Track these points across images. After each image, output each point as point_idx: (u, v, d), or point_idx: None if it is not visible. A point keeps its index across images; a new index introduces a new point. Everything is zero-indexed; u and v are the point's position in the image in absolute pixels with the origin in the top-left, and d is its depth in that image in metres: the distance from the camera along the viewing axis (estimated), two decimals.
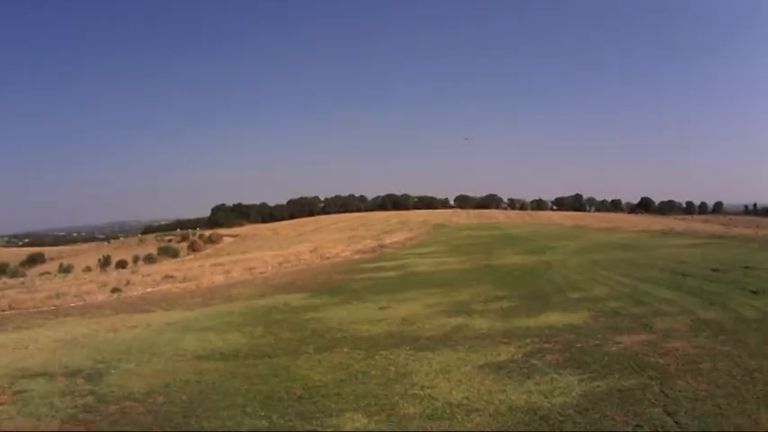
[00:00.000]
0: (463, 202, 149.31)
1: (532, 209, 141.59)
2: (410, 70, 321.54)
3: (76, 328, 11.06)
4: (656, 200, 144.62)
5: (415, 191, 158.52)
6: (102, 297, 16.69)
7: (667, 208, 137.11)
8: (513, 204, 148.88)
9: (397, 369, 6.83)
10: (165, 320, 11.45)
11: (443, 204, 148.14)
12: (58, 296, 16.61)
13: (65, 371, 7.58)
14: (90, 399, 6.31)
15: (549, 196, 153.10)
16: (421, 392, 5.90)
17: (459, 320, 9.41)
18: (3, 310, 14.05)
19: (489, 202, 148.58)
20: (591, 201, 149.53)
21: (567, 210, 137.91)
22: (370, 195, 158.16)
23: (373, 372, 6.80)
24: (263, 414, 5.63)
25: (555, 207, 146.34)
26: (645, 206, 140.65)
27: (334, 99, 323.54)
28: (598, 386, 5.70)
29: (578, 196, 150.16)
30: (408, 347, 7.79)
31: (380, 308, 11.24)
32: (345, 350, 7.93)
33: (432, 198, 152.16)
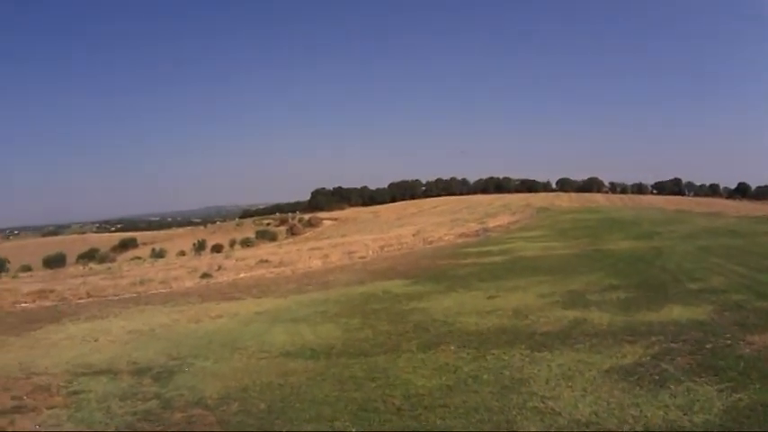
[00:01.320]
0: (565, 185, 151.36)
1: (632, 192, 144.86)
2: (508, 52, 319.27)
3: (155, 317, 11.08)
4: (753, 185, 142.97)
5: (516, 173, 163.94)
6: (189, 283, 17.01)
7: (763, 193, 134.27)
8: (614, 188, 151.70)
9: (513, 374, 6.23)
10: (254, 309, 11.34)
11: (545, 187, 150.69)
12: (142, 283, 17.00)
13: (132, 368, 7.37)
14: (154, 403, 5.95)
15: (647, 180, 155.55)
16: (541, 405, 5.28)
17: (575, 313, 8.95)
18: (80, 298, 14.43)
19: (591, 185, 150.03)
20: (689, 185, 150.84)
21: (666, 194, 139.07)
22: (471, 178, 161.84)
23: (485, 377, 6.19)
24: (353, 430, 5.05)
25: (655, 191, 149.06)
26: (742, 191, 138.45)
27: (434, 83, 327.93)
28: (740, 399, 5.19)
29: (677, 180, 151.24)
30: (523, 346, 7.26)
31: (489, 297, 10.88)
32: (452, 348, 7.42)
33: (533, 181, 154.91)
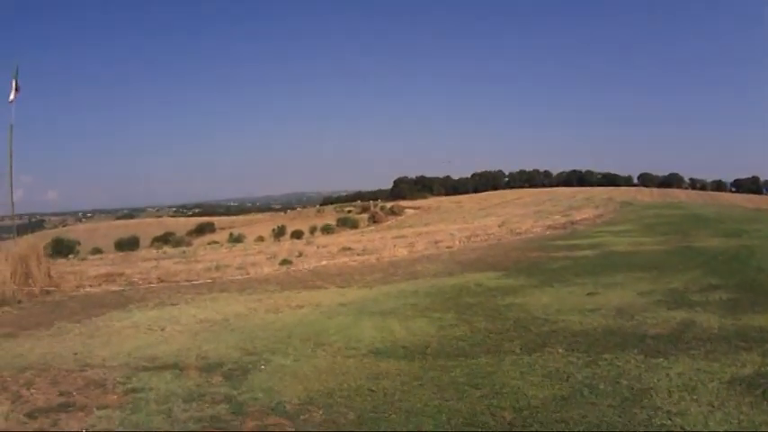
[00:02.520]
0: (646, 180, 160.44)
1: (711, 189, 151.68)
2: (592, 46, 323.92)
3: (230, 306, 10.74)
4: None
5: (597, 167, 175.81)
6: (268, 270, 16.80)
7: None
8: (694, 184, 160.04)
9: (631, 383, 5.56)
10: (339, 300, 10.93)
11: (626, 182, 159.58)
12: (217, 268, 16.97)
13: (201, 363, 6.87)
14: (223, 408, 5.36)
15: (726, 177, 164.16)
16: (669, 422, 4.64)
17: (682, 314, 8.33)
18: (150, 283, 14.33)
19: (672, 180, 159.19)
20: (767, 184, 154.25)
21: (743, 192, 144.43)
22: (554, 171, 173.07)
23: (601, 386, 5.51)
24: None
25: (733, 189, 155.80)
26: None
27: (515, 75, 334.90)
28: None
29: (755, 179, 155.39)
30: (635, 350, 6.61)
31: (588, 294, 10.34)
32: (560, 350, 6.77)
33: (615, 175, 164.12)
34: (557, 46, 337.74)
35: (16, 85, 14.00)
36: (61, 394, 5.85)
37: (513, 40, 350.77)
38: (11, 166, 13.37)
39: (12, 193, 13.33)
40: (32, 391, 5.99)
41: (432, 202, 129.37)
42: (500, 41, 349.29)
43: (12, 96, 13.80)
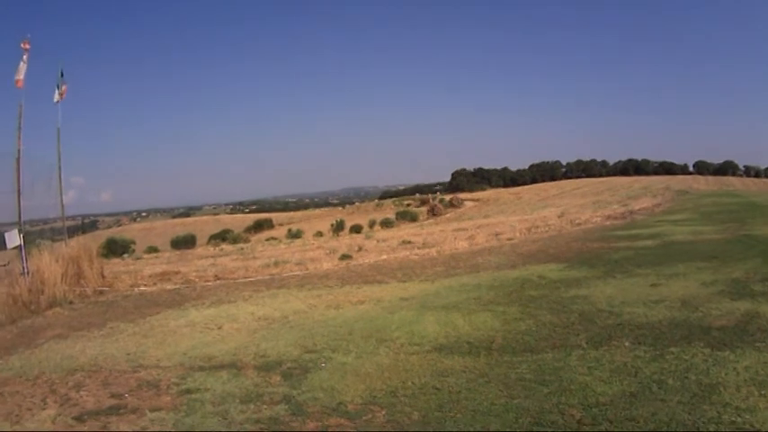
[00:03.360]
0: (701, 168, 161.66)
1: (766, 177, 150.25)
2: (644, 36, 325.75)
3: (290, 302, 10.67)
4: None
5: (653, 155, 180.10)
6: (327, 265, 16.79)
7: None
8: (748, 171, 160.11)
9: (698, 378, 5.37)
10: (400, 295, 10.80)
11: (682, 170, 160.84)
12: (276, 264, 17.03)
13: (260, 362, 6.79)
14: (281, 408, 5.25)
15: None
16: (738, 419, 4.47)
17: (745, 305, 8.04)
18: (206, 281, 14.38)
19: (726, 168, 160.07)
20: None
21: None
22: (610, 160, 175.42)
23: (670, 381, 5.32)
24: None
25: None
26: None
27: (572, 66, 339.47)
28: None
29: None
30: (701, 343, 6.39)
31: (652, 285, 10.09)
32: (626, 344, 6.59)
33: (671, 164, 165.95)
34: (612, 37, 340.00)
35: (61, 85, 14.02)
36: (112, 396, 5.84)
37: (571, 32, 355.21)
38: (59, 168, 13.45)
39: (61, 194, 13.40)
40: (82, 393, 5.99)
41: (490, 193, 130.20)
42: (556, 33, 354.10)
43: (57, 97, 13.83)
